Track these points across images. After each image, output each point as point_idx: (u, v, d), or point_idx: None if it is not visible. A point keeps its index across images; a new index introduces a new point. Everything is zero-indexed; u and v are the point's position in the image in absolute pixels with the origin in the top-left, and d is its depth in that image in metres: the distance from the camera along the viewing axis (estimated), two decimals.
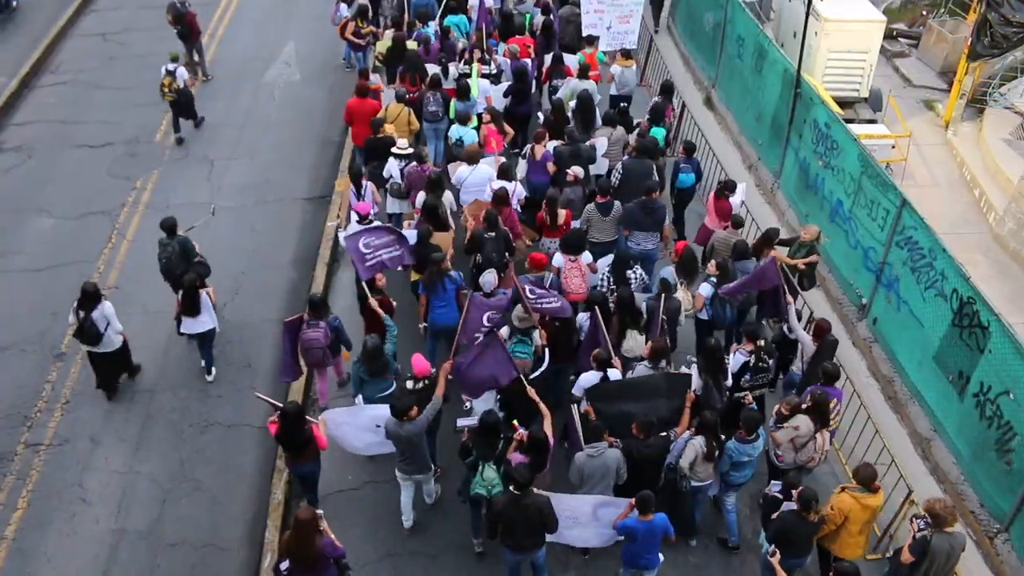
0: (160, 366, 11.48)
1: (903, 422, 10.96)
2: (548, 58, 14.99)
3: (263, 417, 10.20)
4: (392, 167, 12.34)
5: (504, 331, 9.48)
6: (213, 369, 11.33)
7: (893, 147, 15.79)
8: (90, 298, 10.26)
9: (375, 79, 14.76)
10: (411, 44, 14.97)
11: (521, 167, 12.71)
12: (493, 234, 10.70)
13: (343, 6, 17.17)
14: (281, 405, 8.74)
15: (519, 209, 11.87)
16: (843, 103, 16.27)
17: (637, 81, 15.83)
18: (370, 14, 16.93)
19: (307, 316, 9.81)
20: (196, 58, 17.70)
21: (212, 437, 10.56)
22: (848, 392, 10.01)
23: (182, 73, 15.53)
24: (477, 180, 12.01)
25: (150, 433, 10.60)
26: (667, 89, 14.12)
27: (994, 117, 17.21)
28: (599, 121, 13.44)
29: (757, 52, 15.37)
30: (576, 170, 11.90)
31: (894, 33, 20.41)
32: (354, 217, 11.54)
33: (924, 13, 21.61)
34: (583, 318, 9.94)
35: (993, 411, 9.39)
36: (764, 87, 15.16)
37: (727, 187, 12.04)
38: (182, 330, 10.96)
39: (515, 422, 8.42)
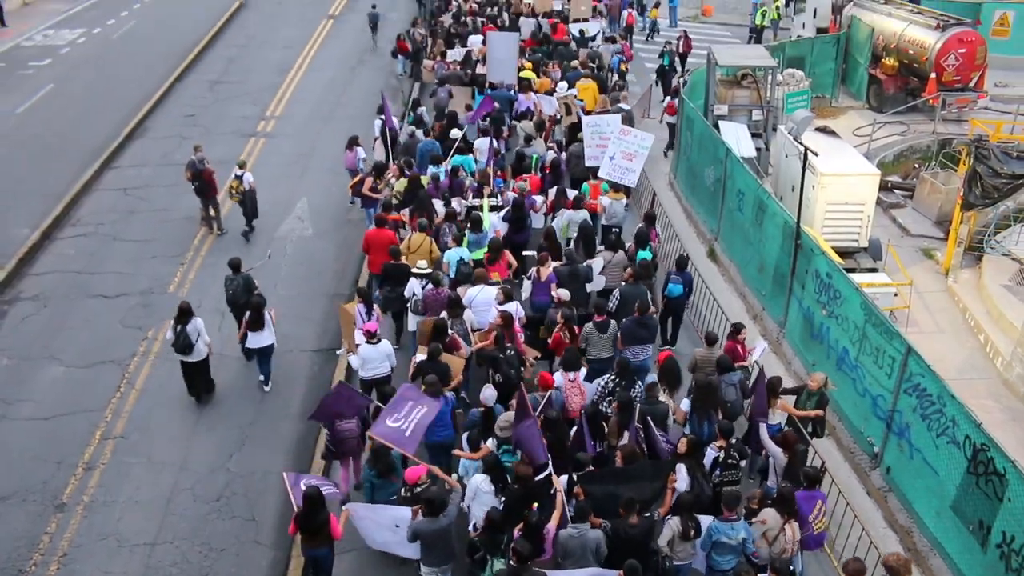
0: (161, 519, 11.27)
1: None
2: (553, 191, 16.28)
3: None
4: (415, 286, 13.23)
5: (490, 443, 10.11)
6: (270, 382, 13.49)
7: (895, 295, 15.97)
8: (185, 314, 12.54)
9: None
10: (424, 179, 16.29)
11: (526, 287, 13.74)
12: (505, 354, 11.44)
13: (359, 149, 18.15)
14: None
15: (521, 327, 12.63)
16: (843, 253, 16.58)
17: (625, 214, 16.65)
18: (387, 167, 17.56)
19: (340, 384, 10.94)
20: (212, 213, 18.29)
21: None
22: (866, 544, 9.81)
23: (248, 177, 17.64)
24: (484, 300, 12.86)
25: None
26: (650, 218, 15.33)
27: (992, 264, 17.50)
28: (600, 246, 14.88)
29: (757, 205, 15.82)
30: (562, 293, 12.75)
31: (889, 185, 21.04)
32: (361, 338, 12.03)
33: (916, 166, 22.38)
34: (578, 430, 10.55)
35: (1020, 563, 9.07)
36: (765, 239, 15.51)
37: (736, 329, 12.39)
38: (248, 345, 13.17)
39: (535, 505, 8.95)
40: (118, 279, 16.78)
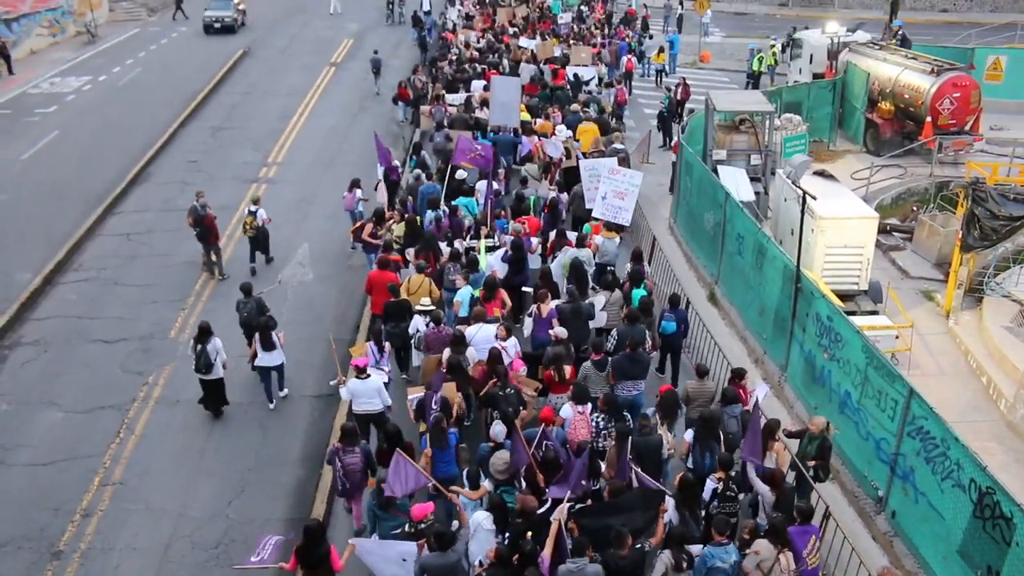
0: (159, 567, 11.13)
1: None
2: (553, 233, 16.61)
3: None
4: (418, 323, 13.59)
5: (487, 483, 10.33)
6: (283, 391, 14.44)
7: (896, 337, 15.95)
8: (205, 334, 13.37)
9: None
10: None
11: (527, 324, 14.00)
12: (504, 392, 11.63)
13: (358, 191, 18.42)
14: None
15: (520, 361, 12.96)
16: (843, 296, 16.59)
17: (617, 252, 16.87)
18: (386, 213, 17.68)
19: (343, 444, 10.83)
20: (214, 258, 18.37)
21: None
22: None
23: (262, 214, 18.27)
24: (484, 337, 13.02)
25: None
26: (638, 255, 15.59)
27: (993, 305, 17.51)
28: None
29: (757, 249, 15.87)
30: (559, 331, 12.95)
31: (888, 228, 21.13)
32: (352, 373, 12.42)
33: (915, 209, 22.49)
34: (576, 465, 10.55)
35: None
36: (765, 283, 15.54)
37: (737, 374, 12.35)
38: (258, 363, 13.90)
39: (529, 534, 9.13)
40: (119, 324, 16.79)
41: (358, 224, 17.65)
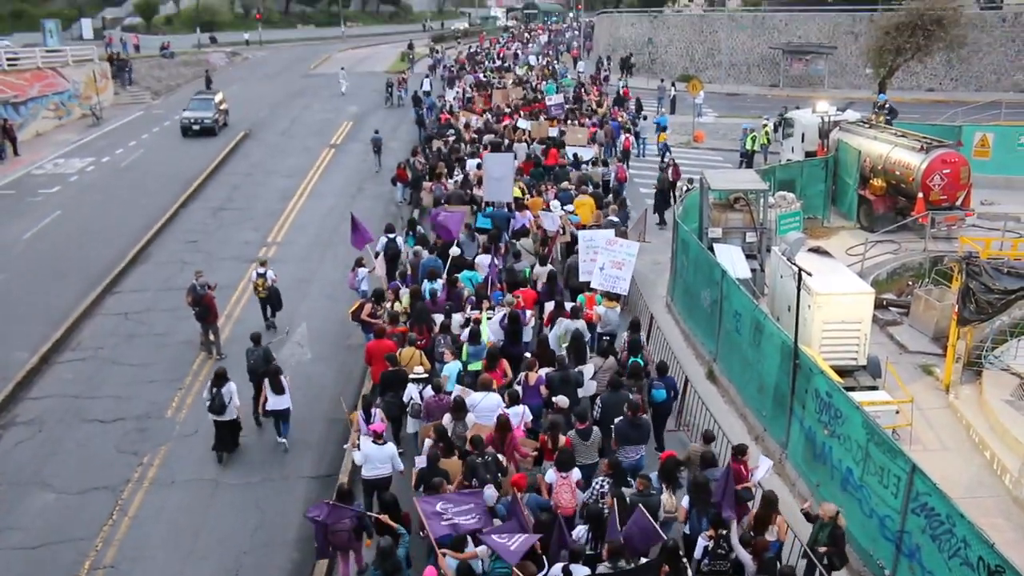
0: None
1: None
2: (549, 305, 16.89)
3: None
4: (412, 391, 13.81)
5: (482, 549, 10.18)
6: (286, 438, 15.06)
7: (897, 413, 15.85)
8: (221, 379, 14.40)
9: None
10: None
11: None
12: (483, 459, 11.60)
13: (361, 270, 18.54)
14: None
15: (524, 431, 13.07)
16: (842, 372, 16.54)
17: (619, 321, 17.08)
18: (386, 294, 17.71)
19: (335, 503, 10.93)
20: (211, 337, 18.37)
21: None
22: None
23: (270, 274, 19.17)
24: (488, 405, 13.10)
25: None
26: (635, 325, 15.83)
27: (992, 379, 17.45)
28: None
29: (754, 326, 15.90)
30: (560, 400, 13.16)
31: (884, 303, 21.20)
32: (366, 440, 12.39)
33: (910, 283, 22.62)
34: (580, 532, 10.73)
35: None
36: (763, 359, 15.52)
37: (739, 451, 12.22)
38: (268, 407, 14.79)
39: None
40: (115, 403, 16.69)
41: (357, 304, 17.71)
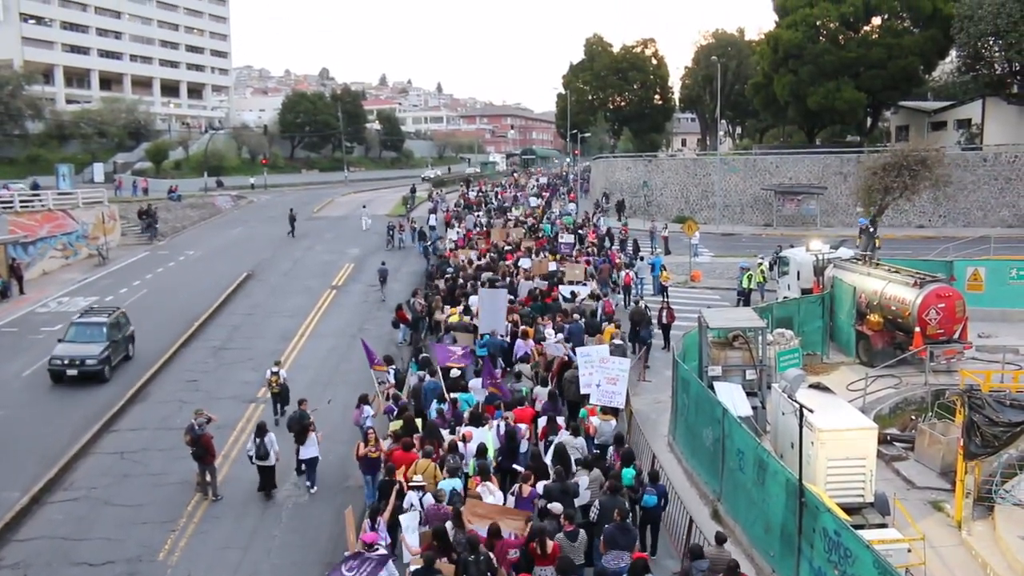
0: None
1: None
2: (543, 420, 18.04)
3: None
4: (412, 497, 14.42)
5: None
6: (313, 488, 17.99)
7: (909, 551, 15.44)
8: (262, 431, 17.66)
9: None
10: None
11: (510, 503, 14.92)
12: (475, 557, 12.24)
13: (367, 408, 18.62)
14: None
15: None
16: (849, 509, 16.21)
17: (612, 433, 17.78)
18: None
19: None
20: (208, 478, 18.07)
21: None
22: None
23: (283, 373, 22.13)
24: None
25: None
26: (620, 438, 17.16)
27: (1005, 514, 17.06)
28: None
29: (758, 464, 15.69)
30: (554, 507, 13.75)
31: (888, 438, 20.98)
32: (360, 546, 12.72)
33: (913, 418, 22.43)
34: None
35: None
36: (769, 498, 15.24)
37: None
38: (300, 457, 18.00)
39: None
40: (105, 545, 16.24)
41: (359, 445, 17.57)
